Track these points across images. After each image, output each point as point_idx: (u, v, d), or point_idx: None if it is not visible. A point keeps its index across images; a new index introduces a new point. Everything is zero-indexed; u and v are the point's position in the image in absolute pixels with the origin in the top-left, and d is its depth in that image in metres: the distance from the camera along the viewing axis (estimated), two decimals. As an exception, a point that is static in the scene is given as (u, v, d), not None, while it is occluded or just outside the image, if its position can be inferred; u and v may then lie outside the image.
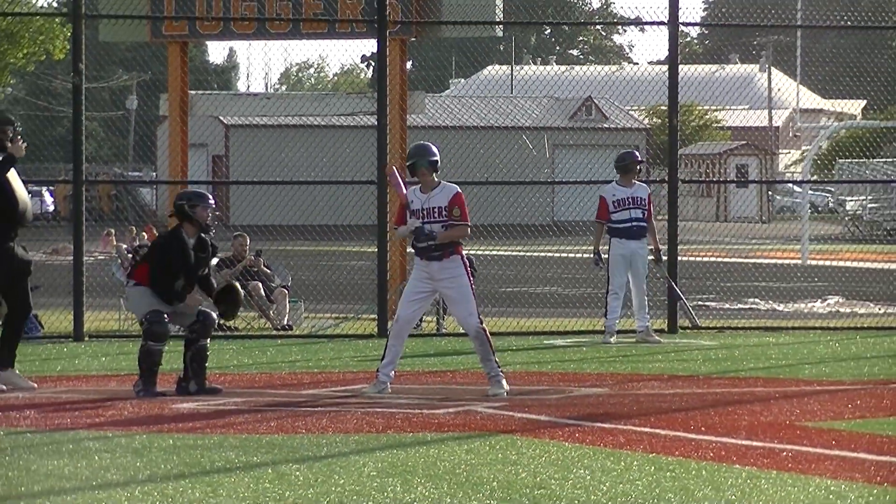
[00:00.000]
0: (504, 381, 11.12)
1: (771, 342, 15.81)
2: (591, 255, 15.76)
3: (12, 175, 11.45)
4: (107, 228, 28.85)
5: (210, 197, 11.50)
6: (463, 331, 11.74)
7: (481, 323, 11.12)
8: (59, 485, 7.57)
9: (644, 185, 15.98)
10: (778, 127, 62.61)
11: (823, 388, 11.72)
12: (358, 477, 7.66)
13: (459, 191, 11.31)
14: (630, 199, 15.64)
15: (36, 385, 11.49)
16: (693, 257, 27.61)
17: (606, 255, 15.66)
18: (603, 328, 15.82)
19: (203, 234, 11.34)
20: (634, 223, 15.60)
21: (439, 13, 17.75)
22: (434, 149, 11.30)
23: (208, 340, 11.37)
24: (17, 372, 11.53)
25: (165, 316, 11.20)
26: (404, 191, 11.34)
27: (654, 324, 16.61)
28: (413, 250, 11.39)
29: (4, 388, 11.32)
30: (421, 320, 17.30)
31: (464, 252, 11.33)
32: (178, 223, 11.44)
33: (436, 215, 11.12)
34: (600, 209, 15.74)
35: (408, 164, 11.29)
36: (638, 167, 15.87)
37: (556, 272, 27.59)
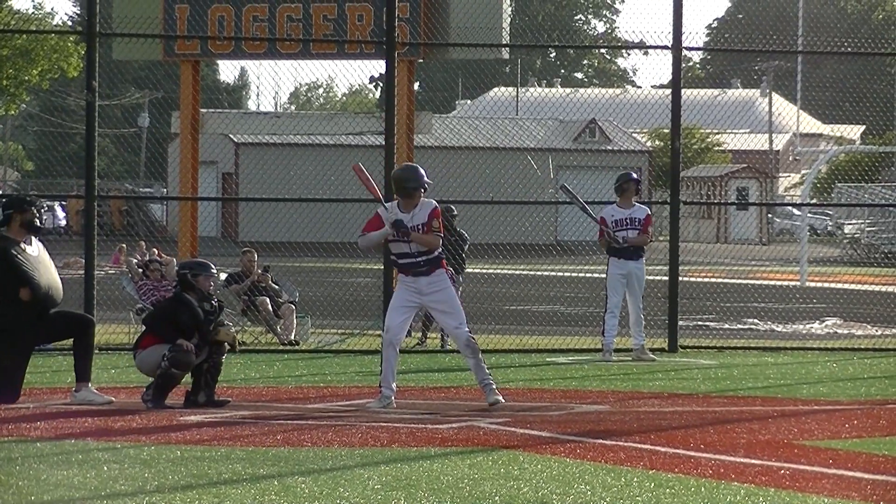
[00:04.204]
0: (495, 388, 11.39)
1: (769, 362, 15.91)
2: (615, 240, 15.75)
3: (40, 261, 11.54)
4: (118, 244, 28.93)
5: (212, 266, 11.68)
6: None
7: (470, 333, 11.38)
8: (69, 494, 7.64)
9: (644, 206, 16.16)
10: (778, 151, 62.73)
11: (821, 407, 11.81)
12: (363, 490, 7.74)
13: (437, 205, 11.56)
14: (628, 220, 15.88)
15: (113, 399, 11.53)
16: (693, 278, 27.74)
17: (605, 275, 15.91)
18: (601, 346, 16.01)
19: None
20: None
21: (447, 35, 17.94)
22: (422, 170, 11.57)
23: (223, 356, 11.55)
24: (92, 387, 11.57)
25: (188, 346, 11.33)
26: (375, 187, 11.64)
27: (655, 343, 16.78)
28: (397, 267, 11.57)
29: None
30: (425, 336, 17.51)
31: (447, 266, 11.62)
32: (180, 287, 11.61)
33: (420, 231, 11.35)
34: (601, 229, 15.97)
35: (409, 186, 11.39)
36: (635, 187, 16.04)
37: (559, 291, 27.71)
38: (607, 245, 15.84)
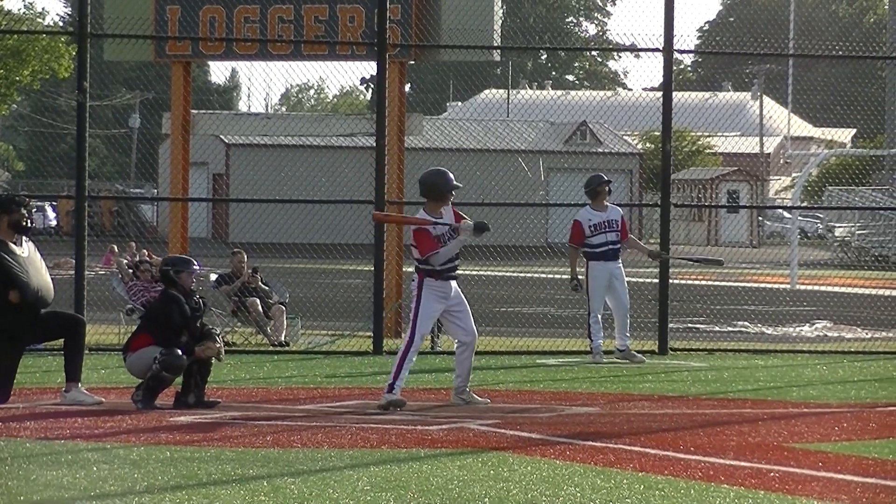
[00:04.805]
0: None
1: (759, 365, 15.94)
2: (570, 281, 15.96)
3: (30, 261, 11.56)
4: (109, 245, 28.93)
5: (195, 262, 11.74)
6: (455, 348, 11.99)
7: None
8: (58, 495, 7.65)
9: (617, 207, 16.16)
10: (769, 154, 62.90)
11: (811, 410, 11.84)
12: (352, 491, 7.76)
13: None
14: (605, 223, 15.88)
15: (103, 399, 11.55)
16: (684, 280, 27.77)
17: (583, 278, 15.88)
18: (590, 349, 16.01)
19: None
20: (610, 246, 15.84)
21: (438, 37, 17.95)
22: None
23: (213, 358, 11.55)
24: (81, 387, 11.58)
25: (180, 351, 11.37)
26: (404, 216, 11.83)
27: (644, 345, 16.79)
28: (431, 275, 11.53)
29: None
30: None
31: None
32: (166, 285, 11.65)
33: (452, 232, 11.59)
34: (574, 233, 15.90)
35: (444, 190, 11.59)
36: (607, 189, 16.06)
37: (550, 293, 27.76)
38: (585, 250, 15.86)
